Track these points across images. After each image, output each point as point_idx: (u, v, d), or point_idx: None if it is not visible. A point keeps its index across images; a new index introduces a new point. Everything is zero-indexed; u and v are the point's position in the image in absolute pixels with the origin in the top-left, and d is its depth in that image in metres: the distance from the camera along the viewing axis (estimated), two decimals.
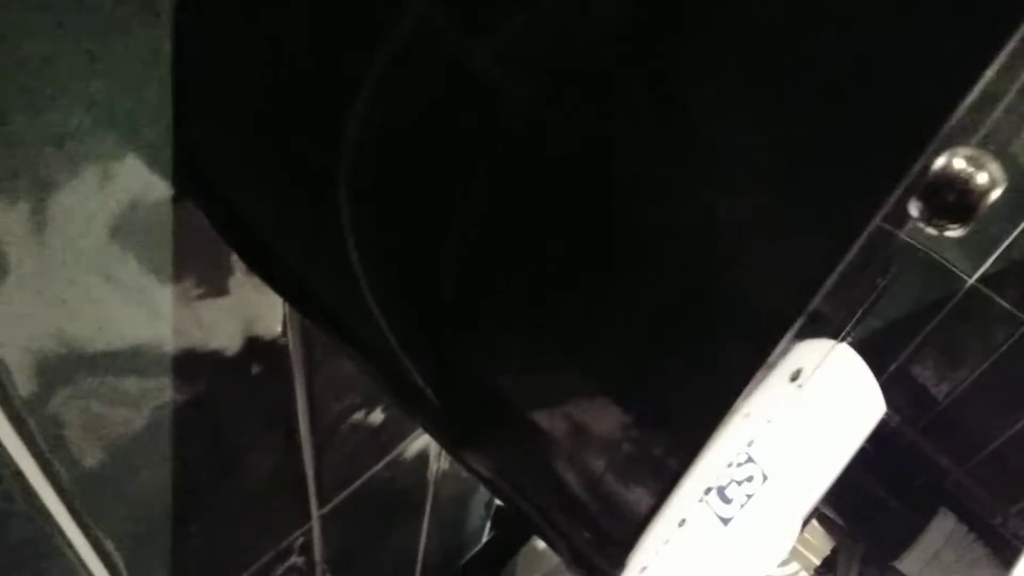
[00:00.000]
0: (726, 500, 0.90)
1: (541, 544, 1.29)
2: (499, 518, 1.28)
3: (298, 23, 0.27)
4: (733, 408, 0.22)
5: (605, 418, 0.26)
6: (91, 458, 0.38)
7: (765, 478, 0.91)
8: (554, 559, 1.29)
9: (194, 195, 0.34)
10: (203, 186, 0.33)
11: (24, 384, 0.33)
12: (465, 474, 0.98)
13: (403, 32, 0.25)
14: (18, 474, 0.35)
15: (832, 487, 1.07)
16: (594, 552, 0.28)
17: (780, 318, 0.21)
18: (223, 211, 0.34)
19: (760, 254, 0.21)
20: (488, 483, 0.32)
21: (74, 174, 0.29)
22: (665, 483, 0.25)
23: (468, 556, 1.30)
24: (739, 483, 0.91)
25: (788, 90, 0.19)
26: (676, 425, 0.25)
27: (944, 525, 1.21)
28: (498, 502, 1.21)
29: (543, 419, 0.28)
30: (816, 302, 0.21)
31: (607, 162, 0.22)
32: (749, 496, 0.90)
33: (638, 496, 0.25)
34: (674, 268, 0.23)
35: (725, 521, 0.88)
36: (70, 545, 0.41)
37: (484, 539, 1.30)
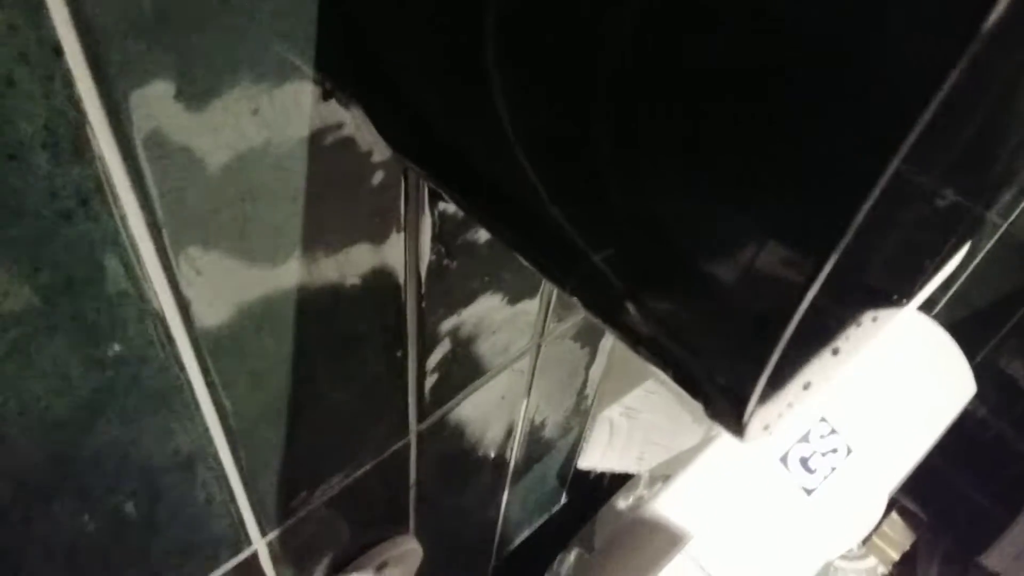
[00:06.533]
0: (809, 471, 0.90)
1: (619, 504, 1.31)
2: (575, 482, 1.30)
3: None
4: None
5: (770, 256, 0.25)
6: (222, 311, 0.40)
7: (849, 451, 0.91)
8: (628, 518, 1.31)
9: (342, 72, 0.35)
10: (353, 57, 0.34)
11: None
12: (544, 433, 1.01)
13: None
14: (161, 319, 0.37)
15: (914, 479, 1.05)
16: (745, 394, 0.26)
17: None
18: (377, 84, 0.35)
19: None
20: (645, 342, 0.31)
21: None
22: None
23: (546, 517, 1.33)
24: (823, 455, 0.91)
25: None
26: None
27: None
28: (576, 466, 1.23)
29: (710, 264, 0.26)
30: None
31: None
32: (833, 468, 0.90)
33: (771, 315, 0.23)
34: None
35: (809, 492, 0.89)
36: (195, 398, 0.42)
37: (561, 503, 1.33)
